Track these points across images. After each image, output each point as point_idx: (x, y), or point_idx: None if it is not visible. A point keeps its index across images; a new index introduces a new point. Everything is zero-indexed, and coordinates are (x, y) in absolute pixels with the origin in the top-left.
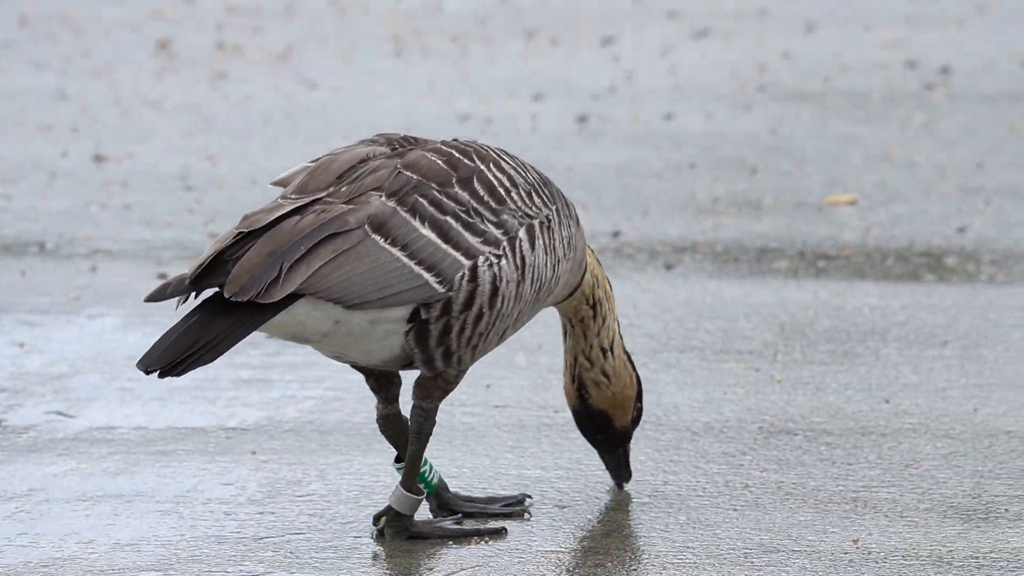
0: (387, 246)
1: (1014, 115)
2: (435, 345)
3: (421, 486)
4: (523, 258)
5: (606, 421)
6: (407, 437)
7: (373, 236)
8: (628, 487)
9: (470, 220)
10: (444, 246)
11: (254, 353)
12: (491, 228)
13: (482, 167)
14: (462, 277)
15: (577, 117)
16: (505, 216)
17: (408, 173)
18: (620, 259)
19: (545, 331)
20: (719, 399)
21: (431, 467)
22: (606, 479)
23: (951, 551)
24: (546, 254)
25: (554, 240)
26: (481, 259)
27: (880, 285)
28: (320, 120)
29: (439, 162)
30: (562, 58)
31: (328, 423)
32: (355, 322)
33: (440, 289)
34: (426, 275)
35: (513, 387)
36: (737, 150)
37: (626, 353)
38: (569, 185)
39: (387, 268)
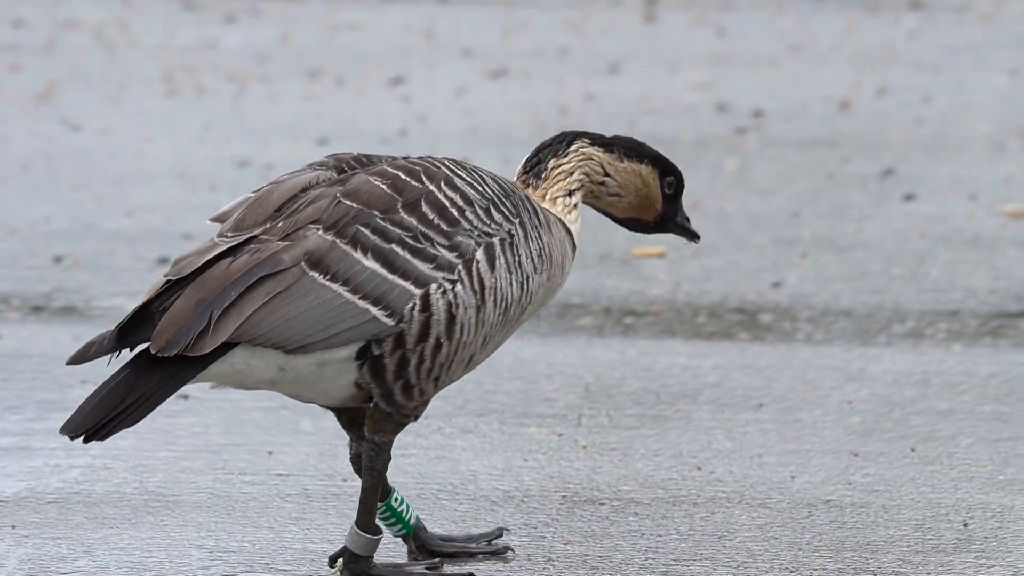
0: (327, 282)
1: (831, 162)
2: (392, 379)
3: (386, 525)
4: (481, 281)
5: (636, 223)
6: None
7: (311, 274)
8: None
9: (419, 246)
10: (390, 276)
11: (15, 418)
12: (443, 252)
13: (431, 187)
14: (413, 307)
15: None
16: (459, 238)
17: (348, 202)
18: None
19: None
20: (519, 466)
21: (408, 506)
22: (397, 552)
23: None
24: (510, 273)
25: (519, 256)
26: (434, 286)
27: (691, 344)
28: (85, 165)
29: (382, 186)
30: (349, 99)
31: (95, 494)
32: (301, 366)
33: (389, 322)
34: (372, 309)
35: (297, 454)
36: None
37: (625, 152)
38: None
39: (328, 306)
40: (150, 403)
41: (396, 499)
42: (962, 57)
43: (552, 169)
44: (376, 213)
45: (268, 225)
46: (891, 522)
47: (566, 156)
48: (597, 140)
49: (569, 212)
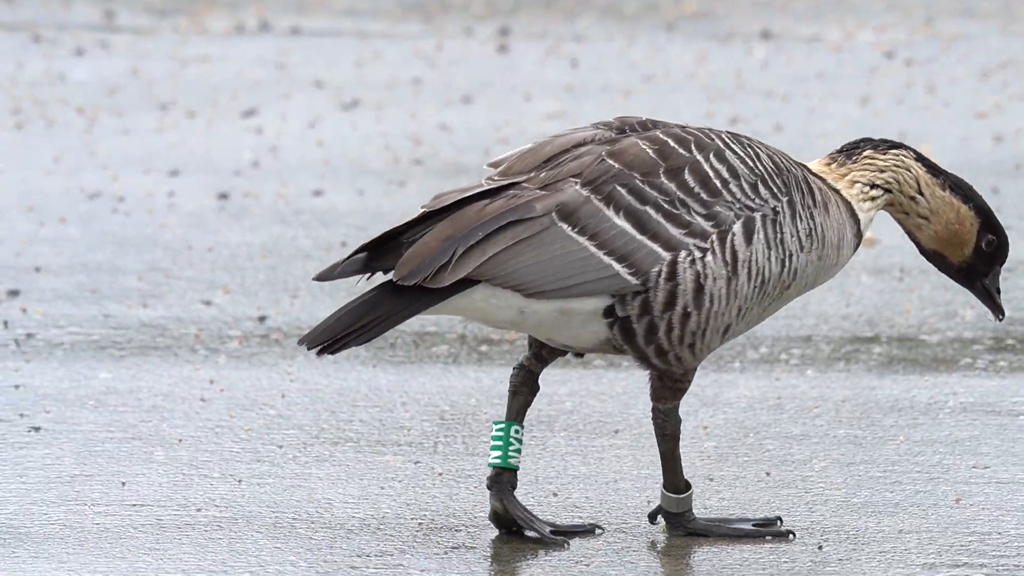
0: (574, 234)
1: None
2: (644, 343)
3: (491, 446)
4: (735, 253)
5: (941, 260)
6: (526, 400)
7: (559, 224)
8: None
9: (674, 211)
10: (639, 236)
11: None
12: (699, 220)
13: (698, 157)
14: (659, 272)
15: (218, 194)
16: (718, 208)
17: (611, 161)
18: (267, 345)
19: (186, 423)
20: (376, 494)
21: (519, 449)
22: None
23: None
24: (768, 248)
25: (782, 234)
26: (683, 253)
27: (547, 371)
28: None
29: (649, 151)
30: (200, 131)
31: None
32: (542, 312)
33: (632, 280)
34: (616, 265)
35: (151, 484)
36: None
37: (952, 185)
38: (210, 268)
39: (571, 257)
40: (384, 325)
41: (516, 431)
42: (812, 86)
43: (865, 157)
44: (636, 175)
45: (532, 175)
46: (746, 546)
47: (884, 154)
48: (924, 160)
49: (863, 201)
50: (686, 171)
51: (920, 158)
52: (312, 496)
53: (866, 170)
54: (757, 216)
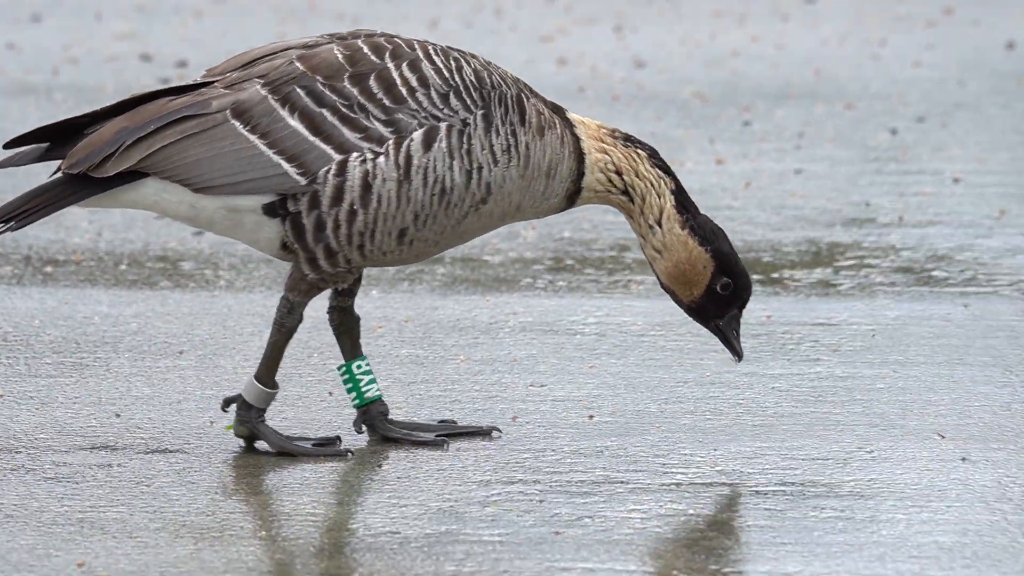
0: (245, 132)
1: None
2: (313, 241)
3: (346, 389)
4: (409, 158)
5: (673, 295)
6: (354, 334)
7: (232, 121)
8: None
9: (351, 115)
10: (311, 138)
11: None
12: (376, 125)
13: (389, 64)
14: (328, 171)
15: None
16: (400, 116)
17: (297, 64)
18: None
19: None
20: None
21: (371, 381)
22: None
23: (184, 571)
24: (451, 158)
25: (469, 145)
26: (355, 154)
27: (112, 292)
28: None
29: (339, 56)
30: None
31: None
32: (210, 208)
33: (299, 180)
34: (285, 164)
35: None
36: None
37: (694, 226)
38: None
39: (241, 155)
40: (43, 211)
41: (359, 366)
42: (383, 8)
43: (634, 153)
44: (319, 78)
45: (229, 75)
46: (307, 465)
47: (652, 168)
48: (680, 195)
49: (600, 172)
50: (372, 77)
51: (678, 191)
52: None
53: (625, 159)
54: (443, 126)
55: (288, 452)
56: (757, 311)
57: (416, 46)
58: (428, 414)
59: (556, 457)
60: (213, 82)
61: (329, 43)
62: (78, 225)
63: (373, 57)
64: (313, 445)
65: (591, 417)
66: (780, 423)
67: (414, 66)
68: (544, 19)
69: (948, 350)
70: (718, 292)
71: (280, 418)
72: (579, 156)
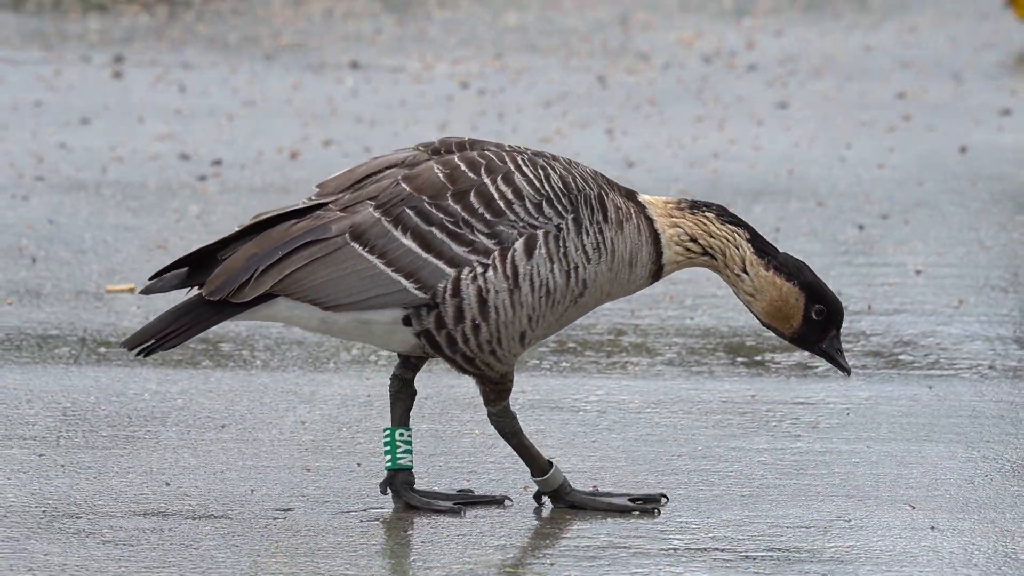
0: (364, 253)
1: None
2: (449, 352)
3: (385, 452)
4: (515, 267)
5: (775, 330)
6: (406, 405)
7: (351, 244)
8: None
9: (457, 231)
10: (424, 255)
11: None
12: (481, 238)
13: (485, 180)
14: (445, 288)
15: None
16: (501, 227)
17: (404, 185)
18: None
19: None
20: (2, 484)
21: (408, 450)
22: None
23: None
24: (552, 262)
25: (565, 247)
26: (466, 269)
27: (160, 371)
28: None
29: (440, 175)
30: None
31: None
32: (342, 321)
33: (420, 295)
34: (404, 281)
35: None
36: (16, 239)
37: (778, 265)
38: None
39: (363, 275)
40: (192, 331)
41: (402, 434)
42: (397, 112)
43: (703, 217)
44: (425, 198)
45: (340, 196)
46: (339, 529)
47: (723, 225)
48: (756, 240)
49: (676, 245)
50: (472, 194)
51: (753, 238)
52: None
53: (696, 226)
54: (540, 233)
55: (606, 509)
56: (742, 391)
57: (506, 158)
58: (447, 484)
59: (565, 523)
60: (327, 203)
61: (428, 160)
62: (128, 310)
63: (470, 174)
64: (629, 500)
65: (595, 487)
66: (766, 493)
67: (508, 179)
68: (543, 122)
69: (916, 427)
70: (814, 319)
71: (314, 487)
72: (655, 238)
